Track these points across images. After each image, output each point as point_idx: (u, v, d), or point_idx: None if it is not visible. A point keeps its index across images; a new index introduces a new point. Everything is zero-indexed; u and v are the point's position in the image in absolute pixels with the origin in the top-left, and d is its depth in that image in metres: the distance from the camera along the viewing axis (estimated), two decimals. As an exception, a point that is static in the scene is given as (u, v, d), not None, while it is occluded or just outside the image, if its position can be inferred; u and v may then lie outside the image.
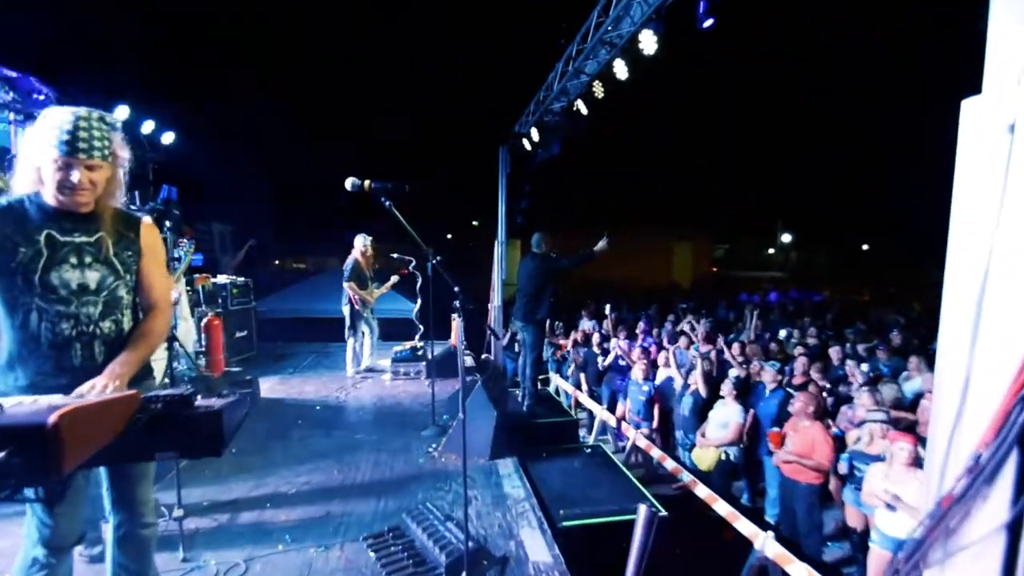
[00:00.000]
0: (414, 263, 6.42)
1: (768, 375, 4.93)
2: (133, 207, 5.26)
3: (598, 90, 5.08)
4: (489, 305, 8.16)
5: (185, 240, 4.59)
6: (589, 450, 3.80)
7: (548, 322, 10.23)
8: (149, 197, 4.99)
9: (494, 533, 2.76)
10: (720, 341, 7.67)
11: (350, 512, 2.90)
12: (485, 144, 8.20)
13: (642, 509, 1.79)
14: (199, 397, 1.39)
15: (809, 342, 7.71)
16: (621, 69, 4.56)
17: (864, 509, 3.81)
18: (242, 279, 7.02)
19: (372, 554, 2.48)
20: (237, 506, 2.95)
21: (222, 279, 6.66)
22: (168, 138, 6.97)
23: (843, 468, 4.03)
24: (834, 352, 6.43)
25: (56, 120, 1.45)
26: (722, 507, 4.21)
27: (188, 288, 5.40)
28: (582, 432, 7.45)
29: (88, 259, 1.55)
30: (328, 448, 3.76)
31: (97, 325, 1.57)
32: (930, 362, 6.41)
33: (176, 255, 4.83)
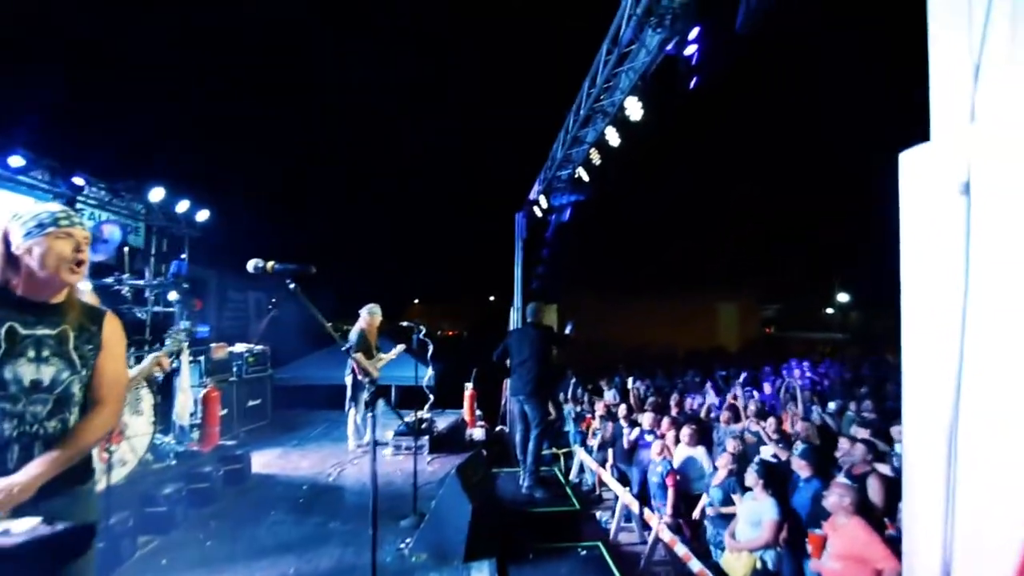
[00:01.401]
0: (424, 331, 6.33)
1: (798, 463, 4.26)
2: (141, 281, 5.64)
3: (595, 157, 5.05)
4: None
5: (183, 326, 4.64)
6: (584, 551, 3.29)
7: (573, 391, 9.75)
8: (161, 272, 5.22)
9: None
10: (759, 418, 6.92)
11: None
12: (501, 215, 8.37)
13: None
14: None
15: (865, 416, 6.79)
16: (613, 136, 4.52)
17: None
18: (260, 347, 7.13)
19: None
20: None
21: (240, 348, 6.78)
22: (203, 215, 7.47)
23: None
24: (896, 431, 5.57)
25: (36, 207, 1.50)
26: (755, 630, 3.50)
27: (194, 359, 5.48)
28: (605, 515, 6.74)
29: (46, 352, 1.48)
30: (295, 539, 3.48)
31: (42, 425, 1.48)
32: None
33: (181, 327, 4.94)
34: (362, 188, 21.94)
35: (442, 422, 6.76)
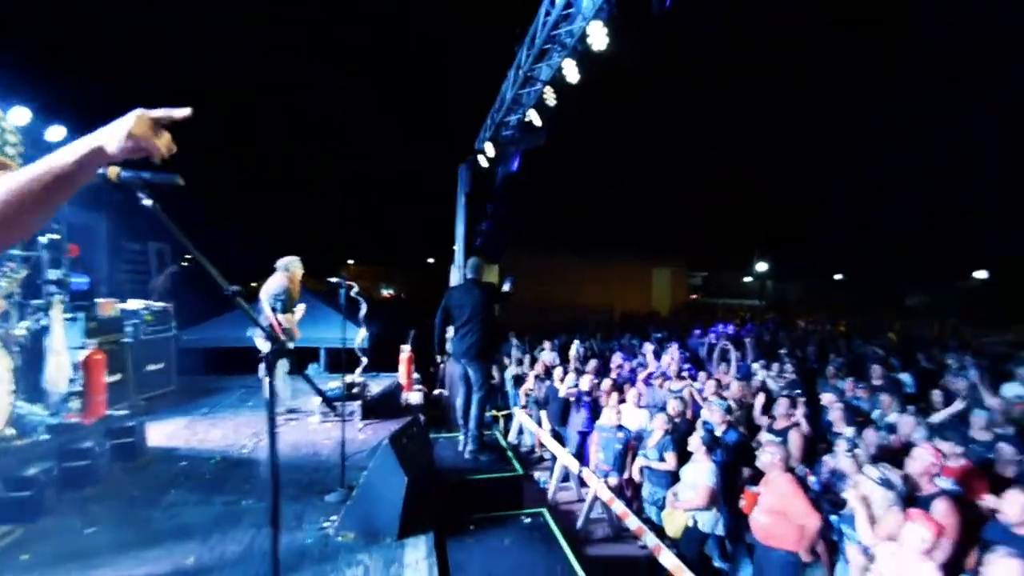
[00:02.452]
0: (356, 288, 5.76)
1: (716, 415, 4.34)
2: None
3: (550, 97, 4.57)
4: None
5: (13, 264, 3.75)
6: (528, 519, 3.12)
7: (512, 352, 9.63)
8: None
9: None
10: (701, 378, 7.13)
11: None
12: (444, 169, 7.72)
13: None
14: None
15: (787, 377, 7.20)
16: (572, 71, 4.06)
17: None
18: (160, 304, 6.23)
19: None
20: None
21: (135, 305, 5.87)
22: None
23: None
24: (827, 399, 5.86)
25: None
26: (690, 583, 3.55)
27: (72, 316, 4.60)
28: (543, 476, 6.75)
29: None
30: (200, 521, 3.00)
31: None
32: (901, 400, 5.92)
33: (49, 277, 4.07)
34: (285, 138, 19.93)
35: (376, 386, 6.34)
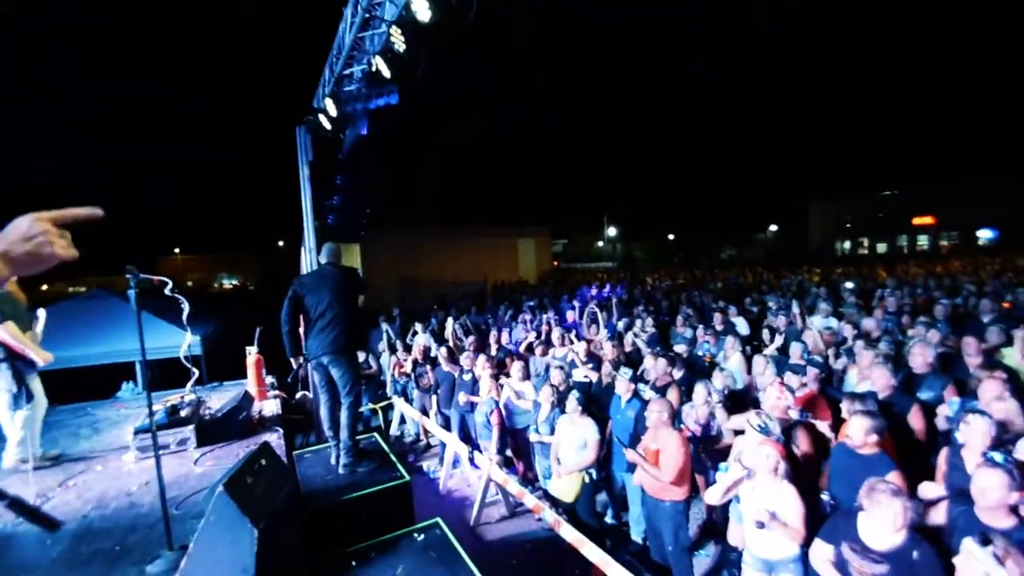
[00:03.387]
0: (170, 285, 4.55)
1: (622, 385, 4.43)
2: None
3: (398, 41, 3.86)
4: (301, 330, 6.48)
5: None
6: (421, 536, 2.71)
7: (388, 339, 8.91)
8: None
9: None
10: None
11: None
12: (282, 131, 6.46)
13: None
14: None
15: (648, 331, 7.78)
16: (423, 7, 3.43)
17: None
18: None
19: None
20: None
21: None
22: None
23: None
24: (680, 349, 6.39)
25: None
26: (591, 552, 3.53)
27: None
28: (433, 464, 6.38)
29: None
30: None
31: None
32: (741, 341, 6.78)
33: None
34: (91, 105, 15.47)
35: (218, 400, 5.25)
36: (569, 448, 4.34)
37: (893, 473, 2.69)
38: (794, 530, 2.76)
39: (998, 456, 2.36)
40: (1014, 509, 2.23)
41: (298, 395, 6.24)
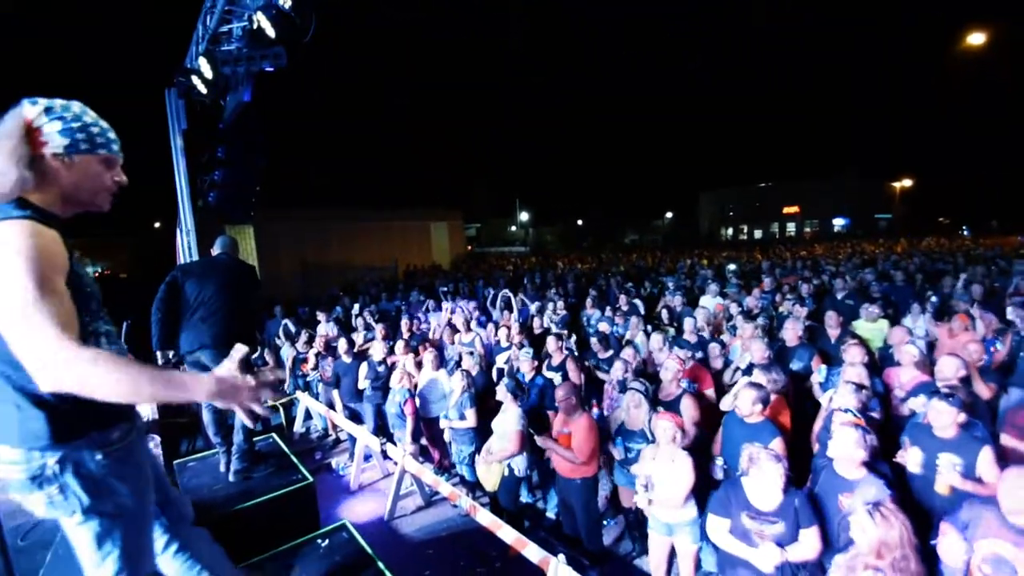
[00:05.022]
0: None
1: (525, 364, 4.49)
2: None
3: None
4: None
5: None
6: (326, 541, 2.51)
7: (286, 331, 8.25)
8: None
9: None
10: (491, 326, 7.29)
11: None
12: (150, 94, 5.51)
13: None
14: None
15: (560, 314, 8.02)
16: None
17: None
18: None
19: None
20: None
21: None
22: None
23: (618, 454, 3.86)
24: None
25: (81, 111, 1.29)
26: (507, 533, 3.57)
27: None
28: (343, 460, 6.05)
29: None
30: None
31: None
32: (642, 319, 7.24)
33: None
34: None
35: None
36: (496, 436, 4.31)
37: (776, 439, 3.01)
38: (678, 497, 2.99)
39: (850, 417, 2.73)
40: (864, 463, 2.60)
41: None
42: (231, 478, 3.22)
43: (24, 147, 1.18)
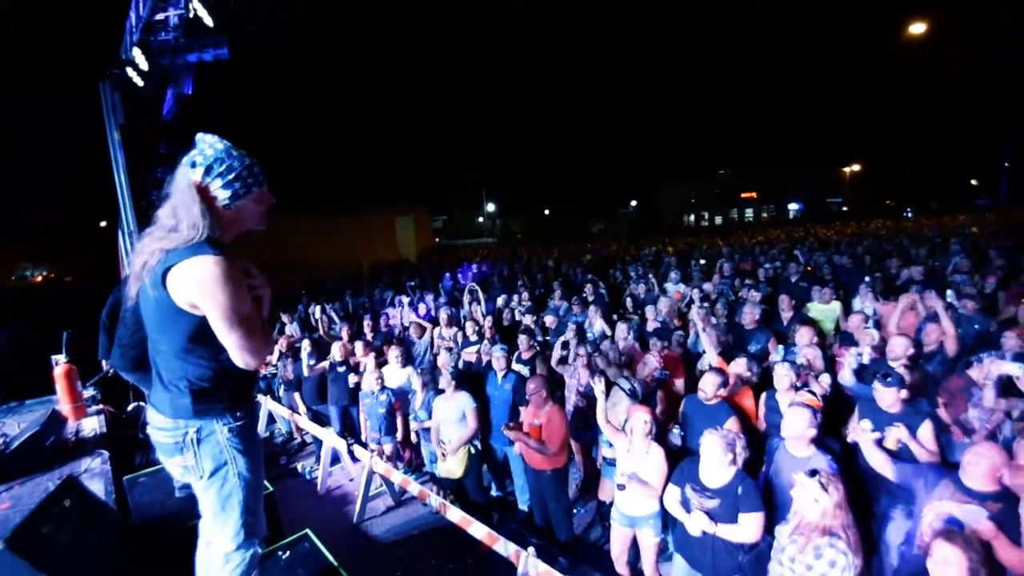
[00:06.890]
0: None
1: (498, 361, 4.48)
2: None
3: None
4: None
5: None
6: (287, 552, 2.44)
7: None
8: None
9: None
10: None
11: None
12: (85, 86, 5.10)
13: None
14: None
15: (526, 304, 8.02)
16: None
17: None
18: None
19: None
20: None
21: None
22: None
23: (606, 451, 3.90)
24: (549, 320, 6.69)
25: (225, 154, 1.56)
26: (478, 529, 3.57)
27: None
28: (309, 464, 5.91)
29: None
30: None
31: None
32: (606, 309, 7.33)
33: None
34: None
35: (17, 425, 4.23)
36: (450, 425, 4.30)
37: (731, 419, 3.10)
38: (654, 489, 3.04)
39: (802, 395, 2.85)
40: (813, 440, 2.71)
41: (131, 407, 5.28)
42: (177, 493, 3.07)
43: (203, 204, 1.52)
